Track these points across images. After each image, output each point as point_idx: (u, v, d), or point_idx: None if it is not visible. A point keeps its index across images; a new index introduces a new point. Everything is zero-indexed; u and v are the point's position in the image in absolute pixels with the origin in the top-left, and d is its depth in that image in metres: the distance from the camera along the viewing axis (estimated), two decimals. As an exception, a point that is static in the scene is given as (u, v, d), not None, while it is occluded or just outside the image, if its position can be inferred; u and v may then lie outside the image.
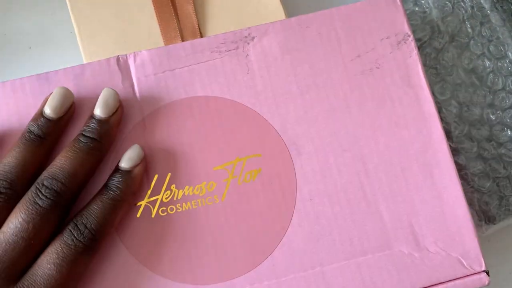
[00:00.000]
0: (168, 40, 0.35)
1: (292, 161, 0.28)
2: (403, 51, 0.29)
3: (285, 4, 0.37)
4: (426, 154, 0.28)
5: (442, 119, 0.29)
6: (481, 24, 0.38)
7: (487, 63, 0.37)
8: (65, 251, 0.24)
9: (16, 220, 0.24)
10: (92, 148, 0.26)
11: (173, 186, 0.27)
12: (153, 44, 0.35)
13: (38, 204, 0.24)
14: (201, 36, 0.36)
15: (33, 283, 0.24)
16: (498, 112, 0.37)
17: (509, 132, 0.37)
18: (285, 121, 0.28)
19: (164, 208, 0.27)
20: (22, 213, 0.24)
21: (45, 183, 0.25)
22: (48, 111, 0.26)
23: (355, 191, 0.28)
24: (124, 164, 0.26)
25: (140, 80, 0.28)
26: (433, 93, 0.29)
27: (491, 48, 0.37)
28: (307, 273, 0.27)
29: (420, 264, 0.27)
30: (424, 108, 0.29)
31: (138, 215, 0.27)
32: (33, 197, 0.25)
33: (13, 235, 0.24)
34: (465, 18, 0.38)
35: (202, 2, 0.37)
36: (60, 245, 0.24)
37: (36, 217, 0.24)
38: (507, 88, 0.37)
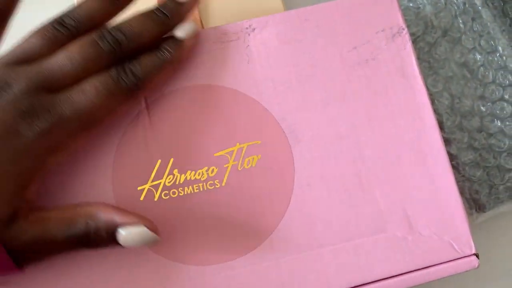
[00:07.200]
0: (170, 31, 0.36)
1: (291, 148, 0.29)
2: (397, 44, 0.30)
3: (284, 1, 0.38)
4: (419, 142, 0.29)
5: (434, 111, 0.29)
6: (473, 19, 0.39)
7: (478, 57, 0.38)
8: (108, 82, 0.25)
9: (72, 48, 0.25)
10: (163, 22, 0.27)
11: (175, 171, 0.28)
12: (155, 35, 0.36)
13: (98, 43, 0.25)
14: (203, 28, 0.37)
15: (69, 97, 0.25)
16: (488, 104, 0.38)
17: (498, 123, 0.37)
18: (284, 109, 0.29)
19: (167, 192, 0.28)
20: (80, 45, 0.25)
21: (110, 31, 0.26)
22: None
23: (351, 177, 0.29)
24: (180, 33, 0.28)
25: (144, 68, 0.29)
26: (426, 86, 0.30)
27: (482, 42, 0.38)
28: (306, 253, 0.27)
29: (413, 247, 0.28)
30: (417, 97, 0.29)
31: (141, 199, 0.28)
32: (94, 37, 0.26)
33: (64, 58, 0.25)
34: (457, 13, 0.39)
35: (204, -4, 0.37)
36: (105, 76, 0.25)
37: (92, 53, 0.25)
38: (497, 81, 0.38)
